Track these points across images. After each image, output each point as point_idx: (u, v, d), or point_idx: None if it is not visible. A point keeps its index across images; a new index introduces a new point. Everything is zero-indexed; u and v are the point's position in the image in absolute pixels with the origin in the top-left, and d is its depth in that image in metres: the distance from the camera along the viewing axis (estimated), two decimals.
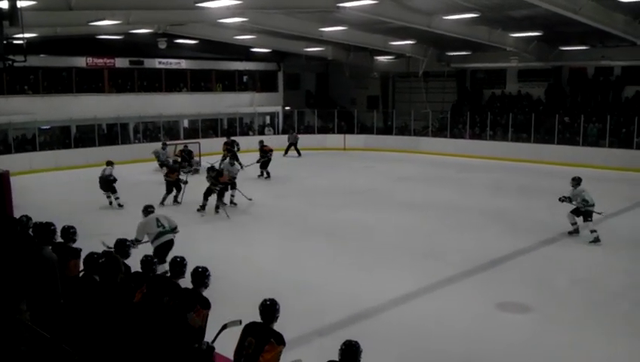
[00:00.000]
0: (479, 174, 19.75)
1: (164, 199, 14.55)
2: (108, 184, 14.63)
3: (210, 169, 13.97)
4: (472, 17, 17.11)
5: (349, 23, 19.42)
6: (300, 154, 24.50)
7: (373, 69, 29.48)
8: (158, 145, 21.25)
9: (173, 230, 8.86)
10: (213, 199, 13.78)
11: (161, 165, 18.86)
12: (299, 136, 25.47)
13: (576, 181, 11.35)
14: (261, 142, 19.52)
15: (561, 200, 11.35)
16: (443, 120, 26.65)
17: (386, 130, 28.07)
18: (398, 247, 11.03)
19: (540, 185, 17.34)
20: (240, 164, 18.23)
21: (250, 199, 14.76)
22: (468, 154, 23.66)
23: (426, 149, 25.23)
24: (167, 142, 20.43)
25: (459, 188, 17.19)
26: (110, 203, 14.75)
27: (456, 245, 11.13)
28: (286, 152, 24.50)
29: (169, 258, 5.62)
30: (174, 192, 14.88)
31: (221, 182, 13.50)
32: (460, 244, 11.17)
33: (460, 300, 8.33)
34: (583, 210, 11.10)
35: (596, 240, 10.91)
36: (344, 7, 15.01)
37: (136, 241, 8.34)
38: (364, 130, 28.34)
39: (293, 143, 24.79)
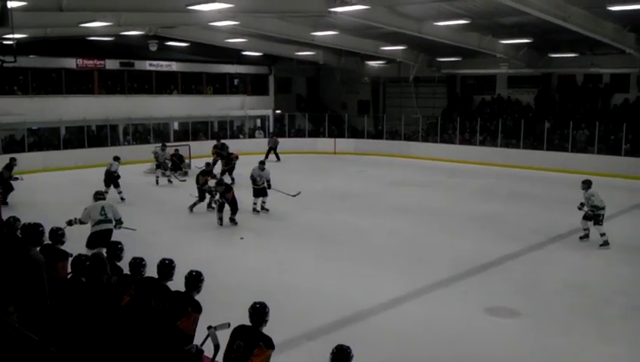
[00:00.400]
0: (470, 179, 19.83)
1: (194, 205, 14.19)
2: (112, 179, 14.80)
3: (219, 182, 13.29)
4: (463, 24, 17.24)
5: (340, 27, 19.45)
6: (278, 158, 24.31)
7: (364, 74, 29.60)
8: (149, 146, 21.18)
9: (117, 221, 9.32)
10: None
11: (157, 166, 18.85)
12: (279, 140, 25.39)
13: (587, 184, 11.27)
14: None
15: (579, 208, 11.30)
16: (432, 125, 26.75)
17: (377, 135, 28.13)
18: (389, 251, 11.03)
19: (530, 190, 17.47)
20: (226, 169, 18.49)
21: (294, 195, 14.64)
22: (458, 160, 23.77)
23: (417, 154, 25.28)
24: (167, 144, 20.39)
25: (450, 193, 17.28)
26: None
27: (446, 250, 11.16)
28: (266, 157, 24.35)
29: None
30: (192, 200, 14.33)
31: (226, 198, 12.80)
32: (451, 249, 11.21)
33: (450, 304, 8.34)
34: (593, 214, 11.14)
35: (605, 243, 10.97)
36: (336, 12, 15.05)
37: (80, 223, 9.10)
38: (355, 134, 28.38)
39: (272, 148, 24.72)
